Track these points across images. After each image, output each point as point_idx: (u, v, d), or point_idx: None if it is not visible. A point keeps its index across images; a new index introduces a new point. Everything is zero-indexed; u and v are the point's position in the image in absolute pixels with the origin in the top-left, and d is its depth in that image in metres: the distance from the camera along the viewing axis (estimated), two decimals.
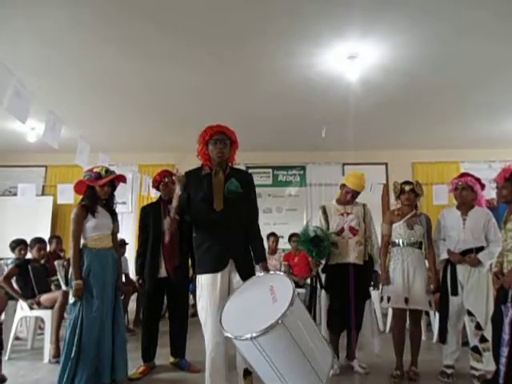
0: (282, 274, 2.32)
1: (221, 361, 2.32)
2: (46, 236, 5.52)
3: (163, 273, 3.31)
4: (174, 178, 3.35)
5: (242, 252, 2.47)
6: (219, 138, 2.44)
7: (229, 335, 1.87)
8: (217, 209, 2.40)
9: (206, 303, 2.34)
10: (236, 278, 2.38)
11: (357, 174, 3.30)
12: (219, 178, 2.46)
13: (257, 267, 2.51)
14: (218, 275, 2.35)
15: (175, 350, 3.40)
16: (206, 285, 2.36)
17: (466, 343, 3.39)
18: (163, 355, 3.43)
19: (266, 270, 2.44)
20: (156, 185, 3.52)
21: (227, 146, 2.48)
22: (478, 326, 2.94)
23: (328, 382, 1.94)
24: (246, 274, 2.35)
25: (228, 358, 2.37)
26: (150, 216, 3.42)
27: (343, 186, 3.28)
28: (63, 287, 4.24)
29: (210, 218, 2.40)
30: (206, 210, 2.40)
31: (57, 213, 7.52)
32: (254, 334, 1.76)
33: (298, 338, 1.85)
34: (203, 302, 2.36)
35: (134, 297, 5.20)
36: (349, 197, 3.24)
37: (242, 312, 2.04)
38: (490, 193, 3.89)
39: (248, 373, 2.33)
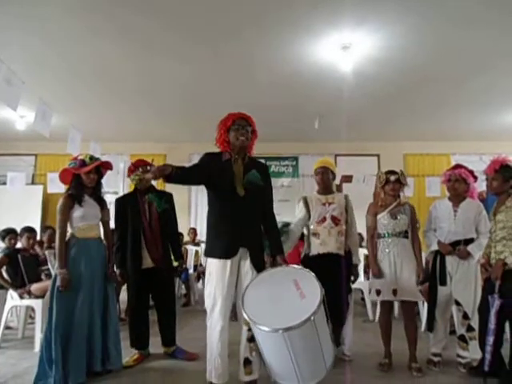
0: (304, 269, 2.31)
1: (225, 347, 2.34)
2: (37, 225, 5.48)
3: (148, 264, 3.26)
4: (148, 167, 3.21)
5: (255, 242, 2.46)
6: (241, 124, 2.44)
7: (256, 324, 1.94)
8: (240, 194, 2.39)
9: (214, 289, 2.32)
10: (245, 267, 2.37)
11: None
12: (238, 166, 2.46)
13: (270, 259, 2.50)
14: (228, 262, 2.33)
15: (166, 339, 3.39)
16: (214, 271, 2.35)
17: (453, 332, 3.46)
18: (154, 344, 3.43)
19: (286, 262, 2.42)
20: (129, 174, 3.40)
21: (248, 133, 2.47)
22: (466, 316, 2.99)
23: (329, 370, 2.13)
24: (259, 264, 2.37)
25: (229, 346, 2.38)
26: (127, 207, 3.30)
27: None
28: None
29: (231, 204, 2.38)
30: (228, 194, 2.38)
31: (47, 202, 7.44)
32: (286, 326, 1.85)
33: (320, 332, 1.97)
34: (211, 288, 2.34)
35: (125, 286, 5.18)
36: (319, 178, 3.21)
37: (267, 302, 2.08)
38: (481, 185, 3.93)
39: (248, 361, 2.34)
